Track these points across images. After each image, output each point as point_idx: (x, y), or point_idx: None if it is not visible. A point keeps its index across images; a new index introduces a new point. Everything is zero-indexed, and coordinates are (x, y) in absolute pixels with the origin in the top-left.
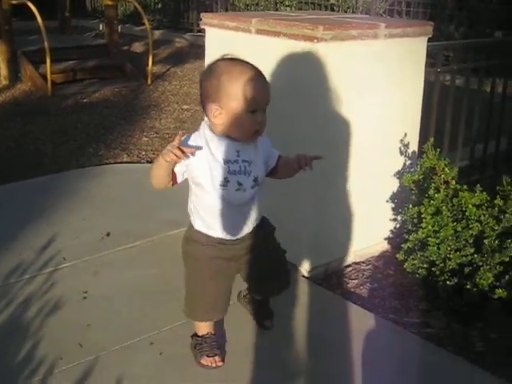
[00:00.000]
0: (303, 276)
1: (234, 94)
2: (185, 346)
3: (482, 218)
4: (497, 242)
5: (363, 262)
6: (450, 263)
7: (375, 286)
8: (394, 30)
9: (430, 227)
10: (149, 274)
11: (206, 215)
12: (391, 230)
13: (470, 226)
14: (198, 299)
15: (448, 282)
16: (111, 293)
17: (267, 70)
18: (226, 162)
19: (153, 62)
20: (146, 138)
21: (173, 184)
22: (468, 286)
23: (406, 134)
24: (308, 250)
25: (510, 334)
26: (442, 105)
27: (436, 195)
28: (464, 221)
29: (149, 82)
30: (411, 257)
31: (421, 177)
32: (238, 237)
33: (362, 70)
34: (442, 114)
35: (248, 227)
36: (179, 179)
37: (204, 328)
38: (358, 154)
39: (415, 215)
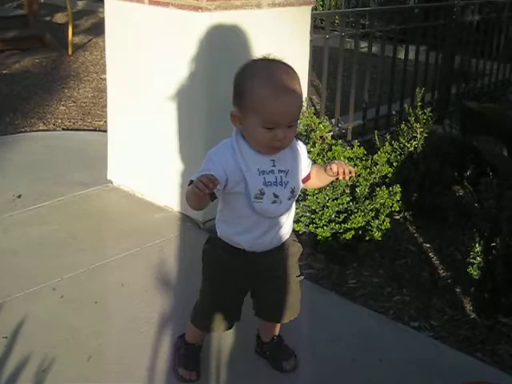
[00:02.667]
0: (199, 227)
1: (252, 105)
2: (83, 290)
3: (356, 169)
4: (367, 190)
5: None
6: (327, 211)
7: None
8: (277, 0)
9: None
10: (56, 230)
11: (236, 226)
12: None
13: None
14: (211, 308)
15: (325, 227)
16: (19, 247)
17: (158, 41)
18: (261, 172)
19: (73, 33)
20: (63, 107)
21: (213, 200)
22: (342, 231)
23: None
24: None
25: (381, 272)
26: (341, 69)
27: (312, 149)
28: None
29: (69, 52)
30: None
31: (303, 134)
32: (265, 250)
33: (246, 38)
34: (340, 78)
35: (277, 241)
36: (219, 195)
37: (196, 337)
38: None
39: None
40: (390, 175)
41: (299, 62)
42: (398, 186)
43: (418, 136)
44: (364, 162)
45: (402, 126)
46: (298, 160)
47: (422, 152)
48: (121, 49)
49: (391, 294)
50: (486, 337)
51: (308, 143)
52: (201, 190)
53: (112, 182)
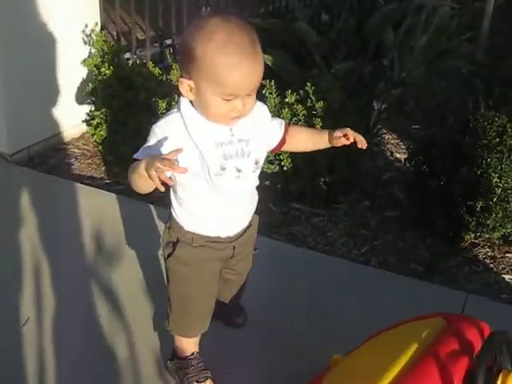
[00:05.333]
0: (7, 160)
1: (208, 74)
2: None
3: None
4: (165, 106)
5: (64, 143)
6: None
7: (74, 160)
8: None
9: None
10: None
11: (200, 212)
12: (87, 113)
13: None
14: (192, 310)
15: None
16: None
17: None
18: (219, 144)
19: None
20: None
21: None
22: None
23: (86, 25)
24: (7, 135)
25: None
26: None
27: (107, 71)
28: (133, 91)
29: None
30: (98, 129)
31: (99, 60)
32: (236, 233)
33: None
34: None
35: (246, 221)
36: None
37: (189, 347)
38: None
39: (92, 91)
40: None
41: None
42: None
43: None
44: (160, 81)
45: None
46: (259, 125)
47: None
48: None
49: None
50: (281, 221)
51: (103, 66)
52: (158, 177)
53: None
